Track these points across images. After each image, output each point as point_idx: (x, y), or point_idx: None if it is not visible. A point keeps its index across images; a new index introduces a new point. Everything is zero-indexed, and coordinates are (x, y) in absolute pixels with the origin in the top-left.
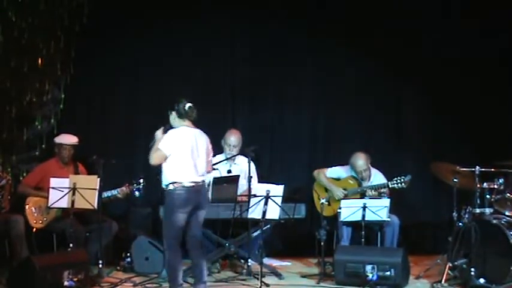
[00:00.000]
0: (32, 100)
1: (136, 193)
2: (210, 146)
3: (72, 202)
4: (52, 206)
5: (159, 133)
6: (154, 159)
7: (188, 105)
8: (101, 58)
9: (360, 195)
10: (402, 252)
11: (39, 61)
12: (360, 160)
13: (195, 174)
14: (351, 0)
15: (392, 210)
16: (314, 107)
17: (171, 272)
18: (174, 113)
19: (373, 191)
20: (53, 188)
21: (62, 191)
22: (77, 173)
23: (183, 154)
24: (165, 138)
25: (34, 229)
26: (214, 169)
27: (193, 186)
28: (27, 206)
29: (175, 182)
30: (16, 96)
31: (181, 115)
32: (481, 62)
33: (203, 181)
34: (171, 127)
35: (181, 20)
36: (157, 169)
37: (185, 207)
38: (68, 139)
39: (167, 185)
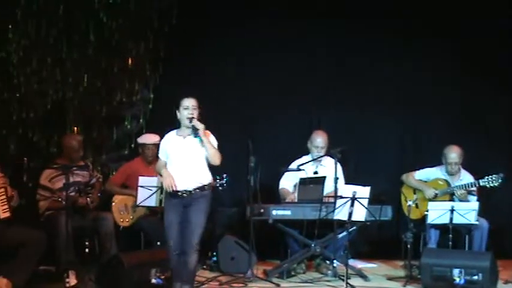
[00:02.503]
0: (121, 100)
1: (220, 188)
2: None
3: (160, 201)
4: (140, 205)
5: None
6: (220, 159)
7: None
8: (189, 59)
9: (449, 196)
10: (491, 256)
11: (129, 61)
12: (454, 152)
13: None
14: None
15: (481, 213)
16: (401, 108)
17: (195, 273)
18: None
19: (462, 189)
20: (141, 186)
21: (150, 190)
22: None
23: None
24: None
25: (120, 227)
26: (300, 169)
27: None
28: (113, 204)
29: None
30: (106, 96)
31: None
32: None
33: None
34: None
35: (267, 19)
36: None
37: None
38: (150, 138)
39: (208, 184)
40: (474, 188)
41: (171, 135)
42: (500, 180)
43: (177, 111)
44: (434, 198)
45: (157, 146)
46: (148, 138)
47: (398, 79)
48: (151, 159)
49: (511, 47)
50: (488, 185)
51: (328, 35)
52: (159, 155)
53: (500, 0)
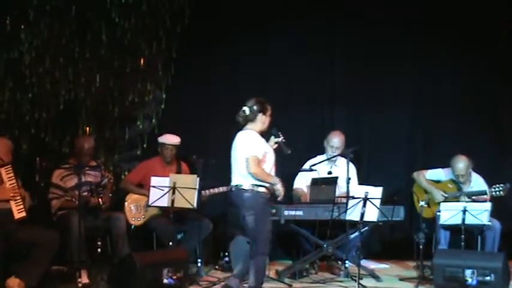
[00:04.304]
0: (134, 100)
1: None
2: (240, 147)
3: (172, 201)
4: (152, 205)
5: None
6: None
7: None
8: (202, 58)
9: (458, 199)
10: (503, 257)
11: (141, 62)
12: (461, 163)
13: (232, 177)
14: (445, 1)
15: (493, 214)
16: (413, 109)
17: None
18: None
19: (467, 197)
20: (153, 186)
21: (162, 190)
22: (179, 172)
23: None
24: None
25: (132, 226)
26: (312, 170)
27: (230, 189)
28: (126, 203)
29: None
30: (119, 96)
31: None
32: None
33: (236, 185)
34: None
35: (279, 20)
36: None
37: None
38: (170, 139)
39: None
40: (484, 197)
41: (258, 135)
42: (506, 191)
43: (260, 114)
44: (443, 201)
45: (176, 147)
46: (168, 139)
47: (411, 80)
48: (169, 160)
49: None
50: (495, 194)
51: (342, 35)
52: (258, 154)
53: None
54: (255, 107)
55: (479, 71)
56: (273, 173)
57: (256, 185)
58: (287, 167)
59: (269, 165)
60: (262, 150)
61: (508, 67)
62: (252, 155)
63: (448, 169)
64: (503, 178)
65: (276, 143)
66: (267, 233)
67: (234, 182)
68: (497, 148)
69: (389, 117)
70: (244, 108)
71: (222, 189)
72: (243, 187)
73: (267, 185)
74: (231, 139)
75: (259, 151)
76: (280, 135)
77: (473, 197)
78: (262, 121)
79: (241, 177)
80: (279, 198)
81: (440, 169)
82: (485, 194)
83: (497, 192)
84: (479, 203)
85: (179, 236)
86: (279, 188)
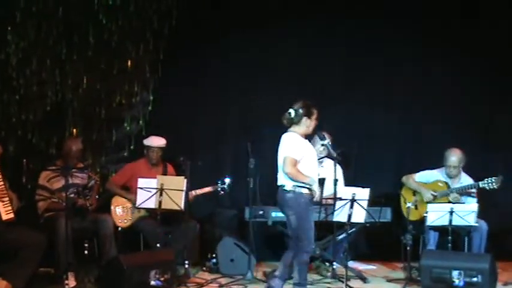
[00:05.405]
0: (121, 102)
1: (222, 192)
2: (282, 148)
3: (160, 203)
4: (139, 207)
5: None
6: None
7: None
8: (189, 60)
9: (449, 196)
10: (490, 258)
11: (129, 63)
12: (454, 156)
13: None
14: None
15: (480, 215)
16: (402, 110)
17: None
18: None
19: (457, 193)
20: (140, 188)
21: (150, 192)
22: (165, 174)
23: None
24: None
25: (119, 228)
26: None
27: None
28: (112, 206)
29: None
30: (106, 98)
31: None
32: None
33: (280, 185)
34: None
35: (270, 21)
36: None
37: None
38: (156, 141)
39: None
40: (474, 190)
41: (300, 138)
42: (499, 183)
43: (305, 118)
44: (433, 201)
45: (162, 149)
46: (154, 141)
47: (399, 81)
48: (155, 162)
49: None
50: (487, 187)
51: (329, 35)
52: (295, 156)
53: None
54: (300, 110)
55: (468, 70)
56: (313, 174)
57: (298, 186)
58: (274, 168)
59: (306, 166)
60: (301, 153)
61: (498, 64)
62: (289, 155)
63: (439, 169)
64: None
65: (322, 145)
66: (309, 231)
67: (278, 182)
68: (488, 149)
69: (378, 119)
70: (290, 110)
71: (207, 189)
72: (286, 188)
73: (309, 186)
74: (217, 141)
75: (297, 153)
76: (326, 137)
77: (463, 191)
78: (307, 125)
79: (284, 178)
80: (314, 199)
81: (427, 171)
82: (476, 187)
83: (490, 184)
84: (466, 205)
85: None
86: (315, 188)
